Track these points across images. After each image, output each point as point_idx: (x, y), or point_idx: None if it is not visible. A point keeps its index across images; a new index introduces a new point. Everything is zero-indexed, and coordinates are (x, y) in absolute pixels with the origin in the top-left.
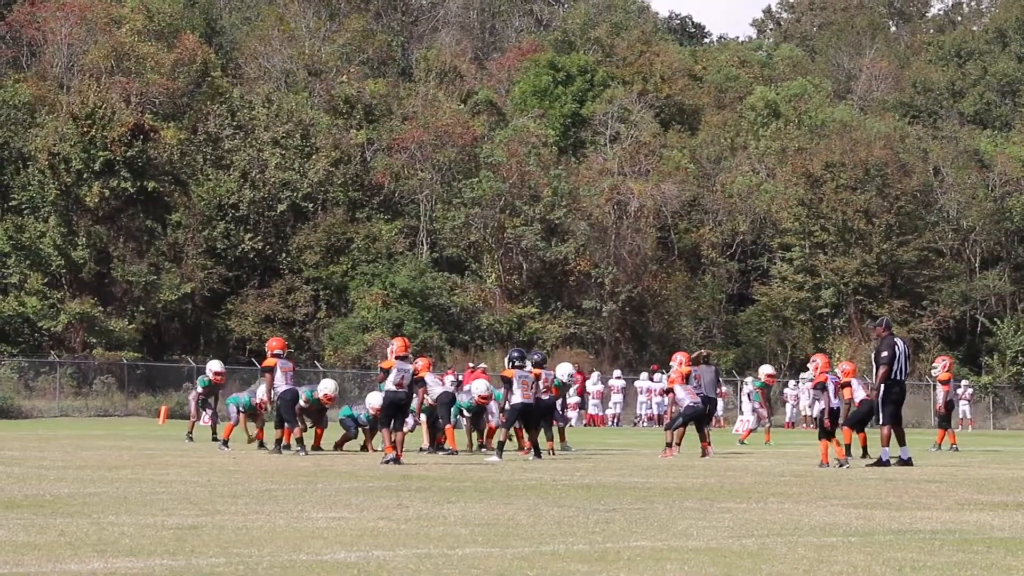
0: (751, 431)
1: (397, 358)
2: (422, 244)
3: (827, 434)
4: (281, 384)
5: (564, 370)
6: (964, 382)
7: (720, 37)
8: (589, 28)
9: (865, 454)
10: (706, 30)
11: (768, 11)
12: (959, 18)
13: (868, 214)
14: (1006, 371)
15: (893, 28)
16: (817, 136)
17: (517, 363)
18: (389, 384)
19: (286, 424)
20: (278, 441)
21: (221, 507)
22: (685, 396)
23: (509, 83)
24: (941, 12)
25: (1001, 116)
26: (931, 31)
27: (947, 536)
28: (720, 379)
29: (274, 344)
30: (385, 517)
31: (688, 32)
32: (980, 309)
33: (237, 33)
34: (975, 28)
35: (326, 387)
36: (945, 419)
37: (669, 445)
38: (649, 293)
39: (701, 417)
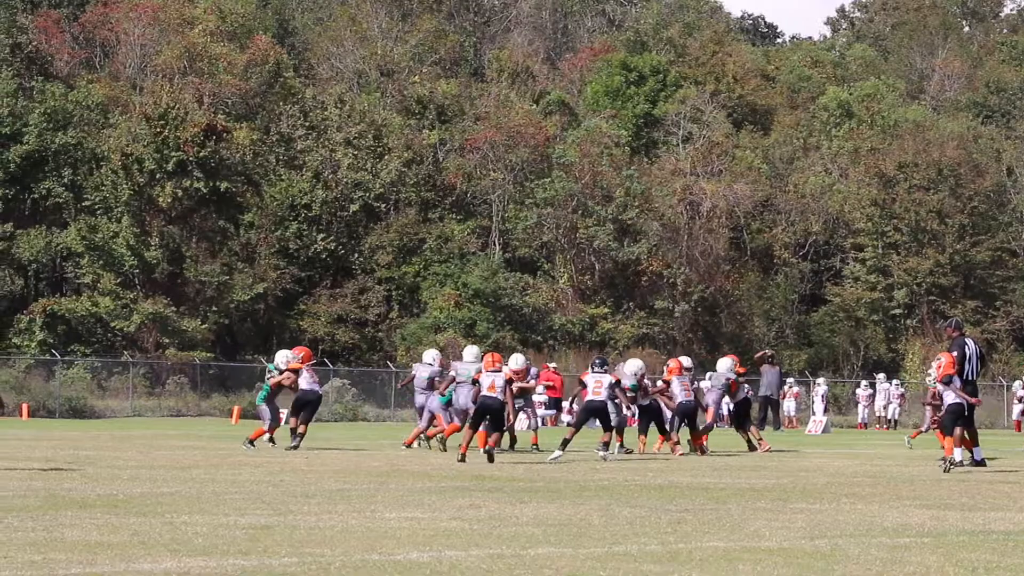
0: (920, 432)
1: (488, 371)
2: (494, 244)
3: (949, 430)
4: (306, 384)
5: (631, 368)
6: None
7: (792, 37)
8: (661, 28)
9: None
10: (779, 30)
11: (842, 10)
12: None
13: (941, 214)
14: None
15: (966, 28)
16: (890, 136)
17: (596, 368)
18: (484, 390)
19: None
20: (292, 431)
21: (293, 507)
22: (680, 392)
23: (581, 83)
24: (1014, 11)
25: None
26: (1004, 31)
27: (1021, 537)
28: (786, 380)
29: (301, 355)
30: (458, 517)
31: (760, 32)
32: None
33: (309, 34)
34: None
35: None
36: None
37: (677, 443)
38: (721, 293)
39: (693, 414)
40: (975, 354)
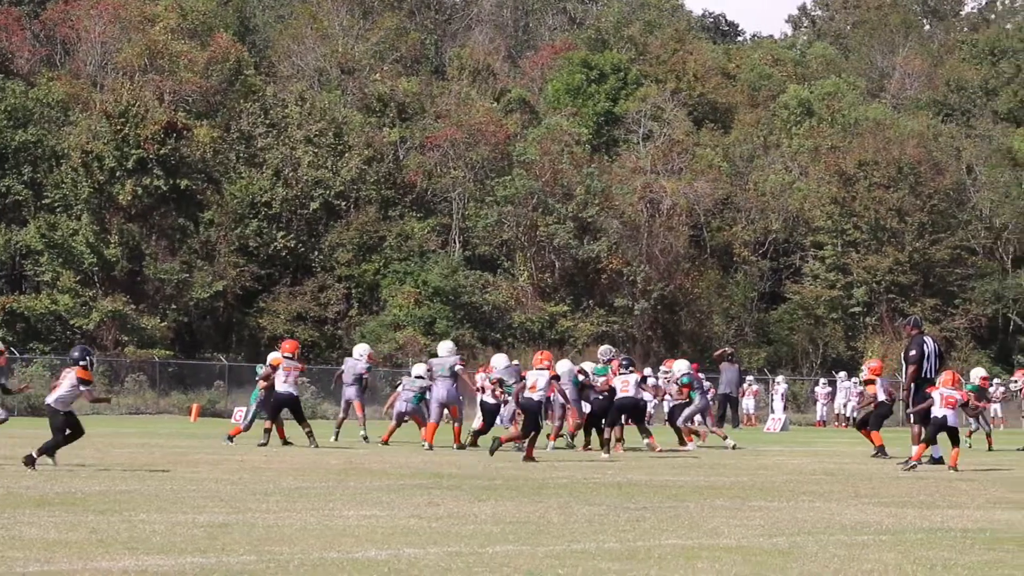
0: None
1: (535, 368)
2: (454, 242)
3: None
4: (280, 385)
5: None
6: (996, 381)
7: (753, 35)
8: (622, 26)
9: (880, 452)
10: (739, 28)
11: (803, 8)
12: (993, 16)
13: (901, 212)
14: None
15: (927, 26)
16: (850, 134)
17: (623, 370)
18: (526, 389)
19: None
20: (266, 431)
21: (252, 505)
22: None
23: (542, 81)
24: (975, 10)
25: None
26: (965, 29)
27: (978, 535)
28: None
29: (286, 346)
30: (416, 515)
31: (721, 30)
32: (1013, 308)
33: (270, 31)
34: (1008, 26)
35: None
36: None
37: (618, 440)
38: (681, 291)
39: (633, 412)
40: (934, 352)
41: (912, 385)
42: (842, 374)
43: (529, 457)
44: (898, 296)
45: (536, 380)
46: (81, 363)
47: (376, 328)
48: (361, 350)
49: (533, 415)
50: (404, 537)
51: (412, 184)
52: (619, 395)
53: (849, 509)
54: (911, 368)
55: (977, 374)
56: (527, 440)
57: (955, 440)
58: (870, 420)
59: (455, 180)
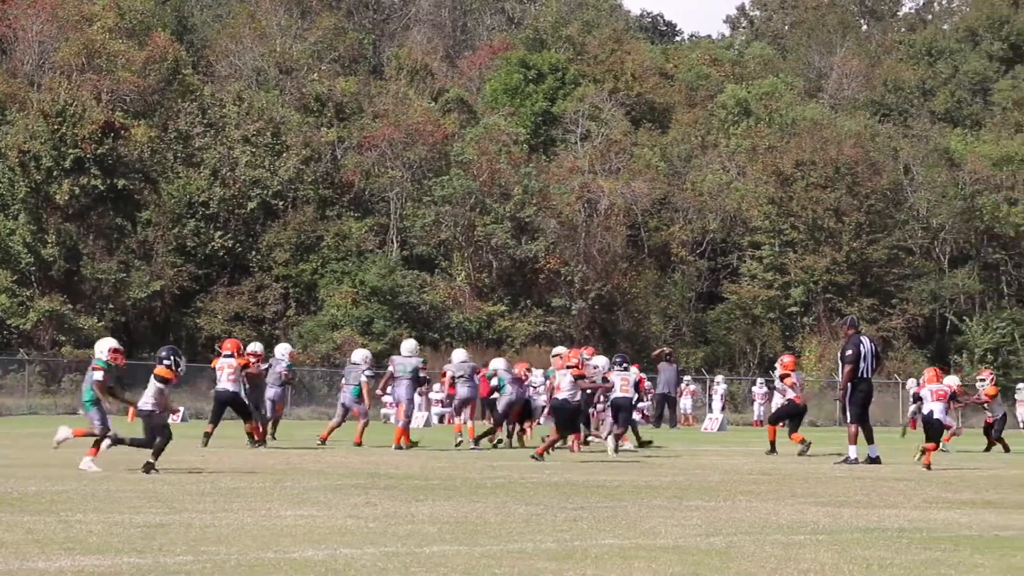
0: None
1: (568, 366)
2: (392, 242)
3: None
4: (220, 383)
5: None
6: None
7: (691, 35)
8: (560, 26)
9: (772, 450)
10: (677, 28)
11: (741, 8)
12: (930, 17)
13: (838, 212)
14: (974, 369)
15: (864, 27)
16: (788, 134)
17: (618, 367)
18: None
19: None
20: (206, 434)
21: (189, 505)
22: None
23: (480, 81)
24: (912, 11)
25: (971, 115)
26: (902, 30)
27: (914, 534)
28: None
29: (226, 345)
30: (353, 515)
31: (659, 30)
32: (949, 307)
33: (208, 31)
34: (946, 27)
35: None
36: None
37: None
38: (619, 291)
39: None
40: (870, 352)
41: (848, 385)
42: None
43: (540, 455)
44: (835, 296)
45: (560, 381)
46: (165, 362)
47: (314, 328)
48: (283, 350)
49: (563, 416)
50: (341, 537)
51: (350, 184)
52: (618, 394)
53: (786, 509)
54: (847, 368)
55: (952, 381)
56: (557, 440)
57: (937, 437)
58: (787, 421)
59: (393, 180)
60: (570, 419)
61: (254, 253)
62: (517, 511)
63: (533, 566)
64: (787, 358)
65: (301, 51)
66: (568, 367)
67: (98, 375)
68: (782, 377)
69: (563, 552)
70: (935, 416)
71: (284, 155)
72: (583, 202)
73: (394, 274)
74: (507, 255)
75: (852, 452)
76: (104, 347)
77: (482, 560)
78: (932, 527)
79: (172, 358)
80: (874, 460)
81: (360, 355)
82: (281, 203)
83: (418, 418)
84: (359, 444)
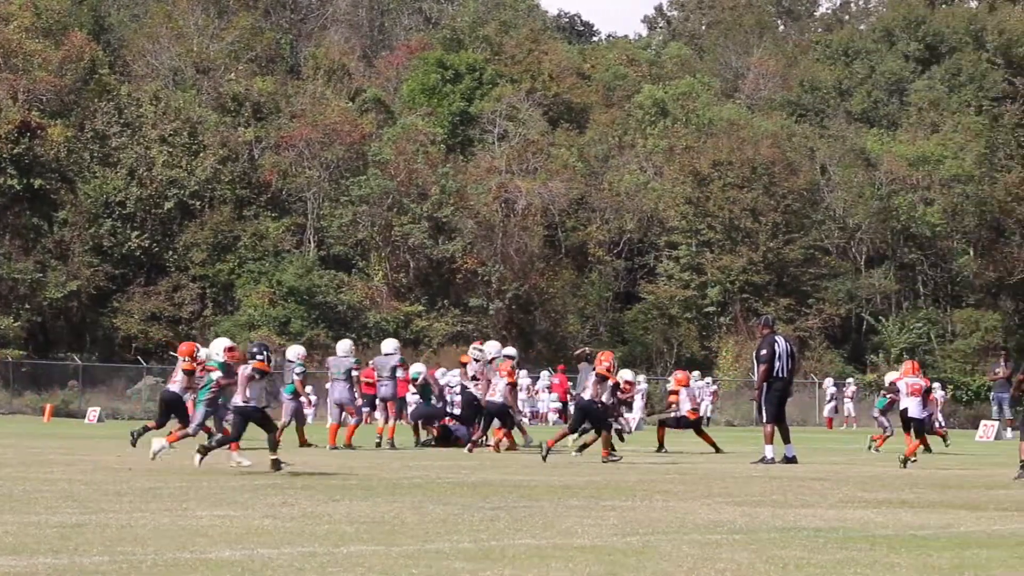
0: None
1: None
2: (309, 242)
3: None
4: (169, 385)
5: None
6: (849, 380)
7: (609, 35)
8: (478, 26)
9: (661, 447)
10: (595, 28)
11: (659, 9)
12: (847, 17)
13: (755, 212)
14: (890, 369)
15: (781, 27)
16: (704, 135)
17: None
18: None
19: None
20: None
21: (105, 505)
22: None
23: (397, 81)
24: (829, 11)
25: (888, 115)
26: (819, 30)
27: (831, 534)
28: None
29: (182, 349)
30: (270, 515)
31: (577, 30)
32: (865, 307)
33: (125, 31)
34: (862, 27)
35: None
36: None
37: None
38: (536, 291)
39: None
40: (785, 352)
41: (764, 384)
42: (695, 374)
43: (607, 457)
44: (752, 296)
45: (588, 381)
46: (259, 356)
47: (231, 328)
48: (206, 352)
49: (594, 416)
50: (258, 537)
51: (267, 184)
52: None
53: (702, 508)
54: (762, 367)
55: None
56: (600, 440)
57: (918, 432)
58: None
59: (310, 180)
60: (601, 418)
61: (171, 253)
62: (434, 511)
63: (450, 566)
64: (680, 374)
65: (218, 51)
66: (598, 369)
67: (215, 375)
68: (671, 392)
69: (480, 552)
70: (910, 414)
71: (201, 155)
72: (500, 202)
73: (311, 274)
74: (424, 255)
75: (768, 452)
76: (219, 347)
77: (399, 560)
78: (848, 526)
79: (264, 353)
80: (790, 460)
81: (294, 352)
82: (198, 203)
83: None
84: (341, 447)
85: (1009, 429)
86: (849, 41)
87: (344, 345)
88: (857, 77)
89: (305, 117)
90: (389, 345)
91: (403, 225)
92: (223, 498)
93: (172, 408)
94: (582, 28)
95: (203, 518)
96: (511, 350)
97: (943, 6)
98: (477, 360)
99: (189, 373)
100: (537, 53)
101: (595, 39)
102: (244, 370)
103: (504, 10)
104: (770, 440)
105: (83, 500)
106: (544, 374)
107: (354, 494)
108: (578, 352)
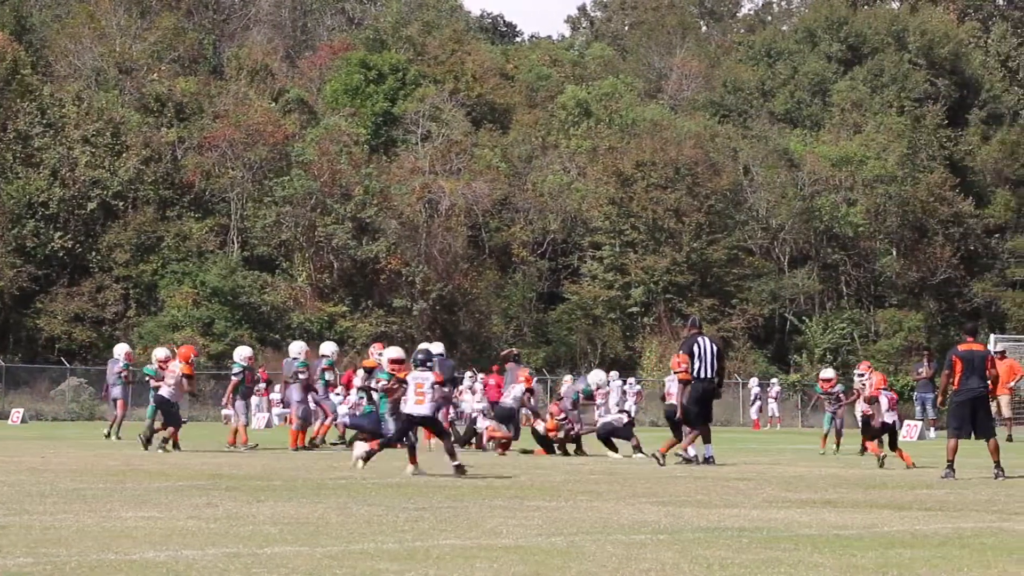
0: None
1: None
2: (233, 242)
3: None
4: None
5: (594, 378)
6: (773, 380)
7: (532, 36)
8: (401, 27)
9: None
10: (518, 29)
11: (582, 9)
12: (769, 18)
13: (678, 213)
14: (814, 369)
15: (704, 28)
16: (628, 135)
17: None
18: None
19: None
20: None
21: (28, 506)
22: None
23: (320, 81)
24: (751, 12)
25: (811, 115)
26: (741, 31)
27: (755, 534)
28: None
29: (183, 352)
30: (195, 516)
31: (500, 31)
32: (789, 308)
33: (47, 31)
34: (785, 28)
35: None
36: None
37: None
38: (460, 292)
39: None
40: (709, 351)
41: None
42: (614, 374)
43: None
44: (676, 296)
45: (669, 387)
46: (427, 364)
47: (154, 329)
48: (120, 350)
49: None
50: (182, 538)
51: (190, 184)
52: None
53: (627, 508)
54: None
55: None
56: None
57: (895, 442)
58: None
59: (233, 180)
60: (682, 421)
61: (94, 254)
62: (359, 512)
63: (375, 567)
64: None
65: (141, 51)
66: (676, 372)
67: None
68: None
69: (405, 553)
70: (886, 423)
71: (124, 155)
72: (424, 203)
73: (235, 275)
74: (348, 256)
75: (691, 451)
76: (388, 356)
77: (324, 561)
78: (772, 526)
79: (432, 361)
80: (707, 460)
81: (240, 353)
82: (121, 203)
83: (258, 419)
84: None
85: (933, 429)
86: (772, 42)
87: (295, 347)
88: (780, 78)
89: (228, 117)
90: (294, 348)
91: (327, 226)
92: (147, 499)
93: (162, 409)
94: (505, 29)
95: (127, 519)
96: (439, 346)
97: (865, 7)
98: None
99: (189, 377)
100: (460, 54)
101: (518, 40)
102: (420, 378)
103: (427, 11)
104: (692, 440)
105: (6, 501)
106: (468, 375)
107: (278, 495)
108: (505, 352)
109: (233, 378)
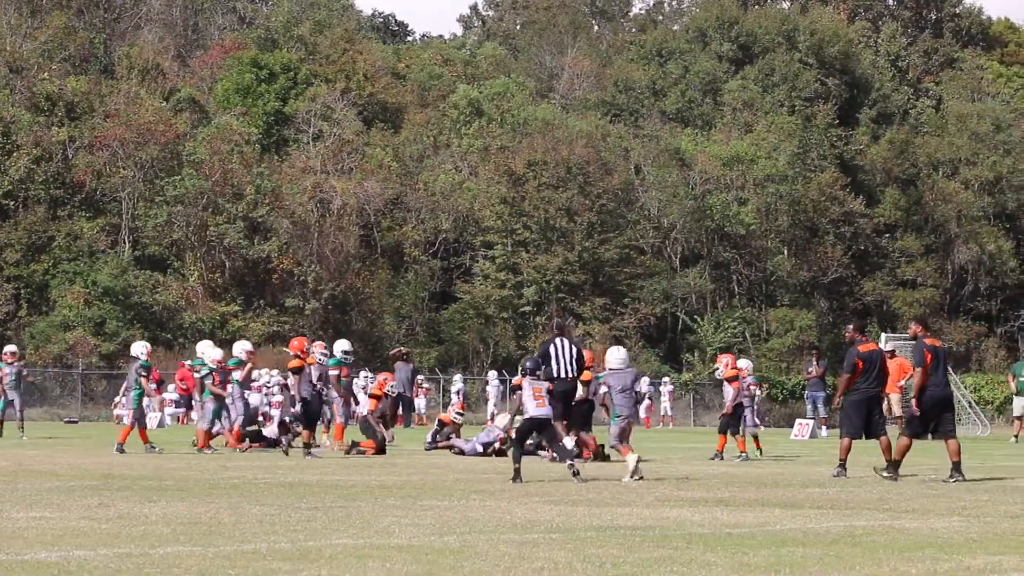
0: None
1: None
2: (124, 242)
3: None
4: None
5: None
6: (665, 379)
7: (423, 35)
8: (292, 26)
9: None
10: (409, 28)
11: (474, 8)
12: (660, 17)
13: (570, 212)
14: (706, 368)
15: (595, 27)
16: (519, 135)
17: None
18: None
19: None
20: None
21: None
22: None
23: (212, 81)
24: (643, 11)
25: (702, 115)
26: (633, 30)
27: (647, 532)
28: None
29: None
30: (87, 516)
31: (391, 30)
32: (681, 306)
33: None
34: (676, 27)
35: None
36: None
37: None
38: (352, 291)
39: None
40: (566, 352)
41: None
42: (491, 374)
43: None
44: (568, 295)
45: (726, 393)
46: (536, 372)
47: (46, 328)
48: (9, 350)
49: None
50: (74, 539)
51: (81, 184)
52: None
53: (520, 508)
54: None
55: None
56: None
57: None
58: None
59: (124, 180)
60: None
61: None
62: (251, 511)
63: (267, 566)
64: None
65: (31, 50)
66: (730, 379)
67: (237, 374)
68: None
69: (297, 552)
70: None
71: (14, 155)
72: (316, 202)
73: (126, 274)
74: (240, 255)
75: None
76: (241, 348)
77: (216, 561)
78: (664, 525)
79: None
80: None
81: (202, 346)
82: (11, 203)
83: (151, 419)
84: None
85: (824, 427)
86: (663, 41)
87: (239, 346)
88: (671, 77)
89: (119, 117)
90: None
91: (218, 225)
92: (38, 499)
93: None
94: (397, 28)
95: (19, 520)
96: (344, 343)
97: (756, 7)
98: (321, 363)
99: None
100: (352, 53)
101: (410, 39)
102: (536, 384)
103: (318, 10)
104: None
105: None
106: (363, 374)
107: (170, 495)
108: (394, 351)
109: (205, 381)
